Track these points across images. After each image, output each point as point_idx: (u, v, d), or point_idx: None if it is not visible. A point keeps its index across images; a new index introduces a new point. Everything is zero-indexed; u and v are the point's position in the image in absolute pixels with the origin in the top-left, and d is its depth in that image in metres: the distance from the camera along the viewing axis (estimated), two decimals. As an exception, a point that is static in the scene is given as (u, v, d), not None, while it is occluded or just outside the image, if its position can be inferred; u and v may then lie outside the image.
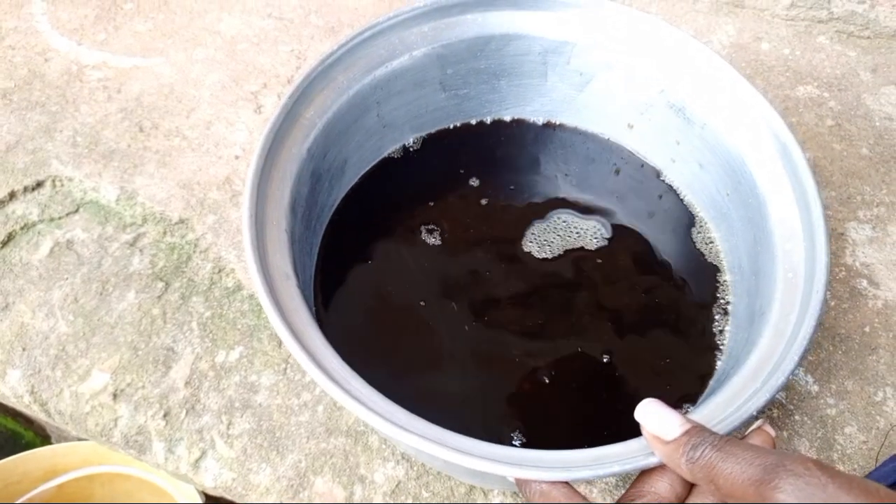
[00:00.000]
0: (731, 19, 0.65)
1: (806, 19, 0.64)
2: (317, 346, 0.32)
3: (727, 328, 0.41)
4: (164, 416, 0.45)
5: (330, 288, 0.43)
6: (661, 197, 0.47)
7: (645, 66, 0.44)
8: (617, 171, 0.49)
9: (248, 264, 0.33)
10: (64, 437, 0.73)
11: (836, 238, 0.51)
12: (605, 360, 0.41)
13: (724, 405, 0.31)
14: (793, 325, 0.33)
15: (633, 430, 0.31)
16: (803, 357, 0.31)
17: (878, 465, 0.40)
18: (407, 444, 0.30)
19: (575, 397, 0.40)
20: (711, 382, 0.40)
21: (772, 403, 0.45)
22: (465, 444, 0.30)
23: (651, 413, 0.29)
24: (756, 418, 0.30)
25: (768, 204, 0.38)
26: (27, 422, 0.75)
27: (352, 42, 0.42)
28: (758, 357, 0.33)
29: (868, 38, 0.63)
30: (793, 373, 0.31)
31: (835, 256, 0.50)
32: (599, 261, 0.46)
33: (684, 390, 0.40)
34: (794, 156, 0.37)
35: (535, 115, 0.50)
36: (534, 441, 0.31)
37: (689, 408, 0.39)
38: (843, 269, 0.50)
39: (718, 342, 0.41)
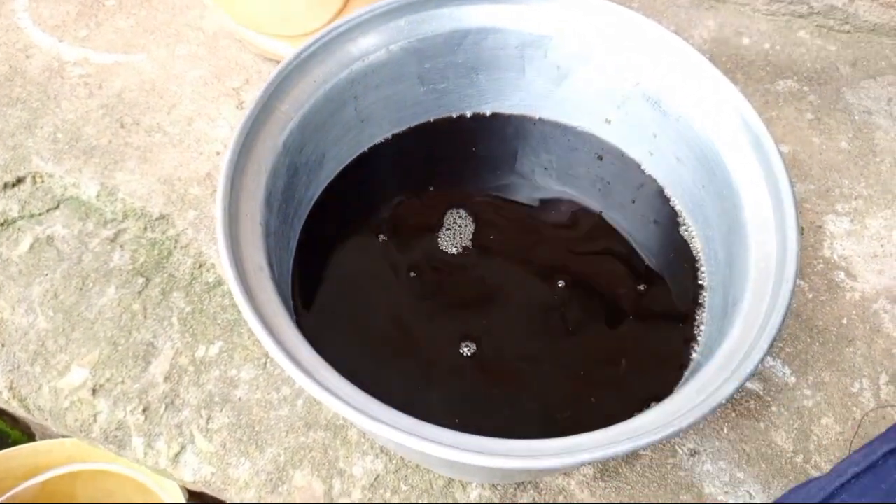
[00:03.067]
0: (711, 14, 0.66)
1: (786, 14, 0.64)
2: (288, 336, 0.32)
3: (703, 319, 0.42)
4: (144, 411, 0.45)
5: (307, 282, 0.43)
6: (639, 189, 0.47)
7: (621, 59, 0.44)
8: (596, 164, 0.49)
9: (220, 254, 0.33)
10: (48, 436, 0.72)
11: (814, 231, 0.52)
12: (580, 350, 0.41)
13: (694, 394, 0.31)
14: (763, 315, 0.33)
15: (607, 422, 0.31)
16: (772, 346, 0.31)
17: (850, 454, 0.41)
18: (379, 435, 0.30)
19: (549, 389, 0.40)
20: (686, 373, 0.40)
21: (749, 395, 0.45)
22: (438, 434, 0.30)
23: None
24: (730, 400, 0.30)
25: (742, 195, 0.38)
26: (13, 421, 0.75)
27: (328, 36, 0.42)
28: (729, 346, 0.33)
29: (848, 32, 0.64)
30: (762, 361, 0.31)
31: (813, 249, 0.51)
32: (578, 253, 0.46)
33: (660, 382, 0.40)
34: (767, 147, 0.37)
35: (514, 108, 0.50)
36: (507, 432, 0.31)
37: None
38: (821, 261, 0.50)
39: (695, 333, 0.42)
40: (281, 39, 0.58)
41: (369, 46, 0.44)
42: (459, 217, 0.47)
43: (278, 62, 0.60)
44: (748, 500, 0.41)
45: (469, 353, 0.41)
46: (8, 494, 0.59)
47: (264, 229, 0.37)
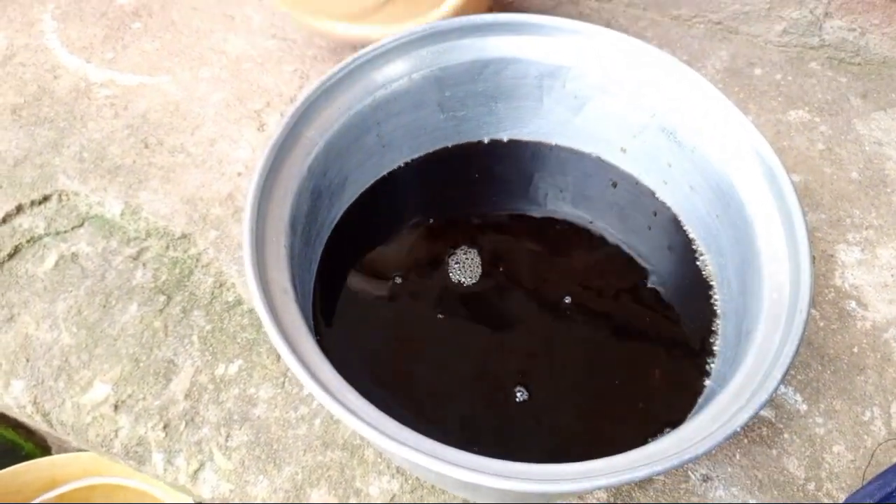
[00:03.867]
0: (724, 45, 0.67)
1: (798, 45, 0.65)
2: (313, 358, 0.33)
3: (716, 346, 0.42)
4: (164, 427, 0.46)
5: (328, 302, 0.44)
6: (653, 217, 0.48)
7: (638, 90, 0.45)
8: (611, 191, 0.50)
9: (248, 278, 0.34)
10: (64, 450, 0.73)
11: (825, 260, 0.52)
12: (594, 376, 0.42)
13: (709, 422, 0.32)
14: (777, 344, 0.34)
15: (621, 448, 0.32)
16: (786, 375, 0.32)
17: (864, 483, 0.41)
18: (399, 456, 0.30)
19: (563, 416, 0.41)
20: (700, 400, 0.40)
21: (761, 422, 0.45)
22: (456, 456, 0.30)
23: None
24: (739, 435, 0.30)
25: (755, 226, 0.39)
26: (28, 433, 0.76)
27: (353, 64, 0.43)
28: (743, 375, 0.34)
29: (859, 64, 0.65)
30: (776, 391, 0.32)
31: (824, 278, 0.51)
32: (591, 280, 0.47)
33: (673, 410, 0.41)
34: (780, 179, 0.38)
35: (532, 136, 0.51)
36: (523, 457, 0.32)
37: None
38: (833, 290, 0.51)
39: (708, 360, 0.42)
40: (340, 20, 0.59)
41: (392, 74, 0.45)
42: (473, 245, 0.47)
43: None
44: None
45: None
46: (25, 507, 0.60)
47: (289, 252, 0.38)
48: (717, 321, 0.43)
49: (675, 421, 0.39)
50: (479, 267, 0.47)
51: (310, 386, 0.31)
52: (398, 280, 0.46)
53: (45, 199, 0.56)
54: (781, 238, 0.38)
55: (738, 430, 0.31)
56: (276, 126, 0.40)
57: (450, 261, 0.47)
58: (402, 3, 0.56)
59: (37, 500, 0.60)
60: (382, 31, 0.57)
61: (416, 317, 0.45)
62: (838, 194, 0.56)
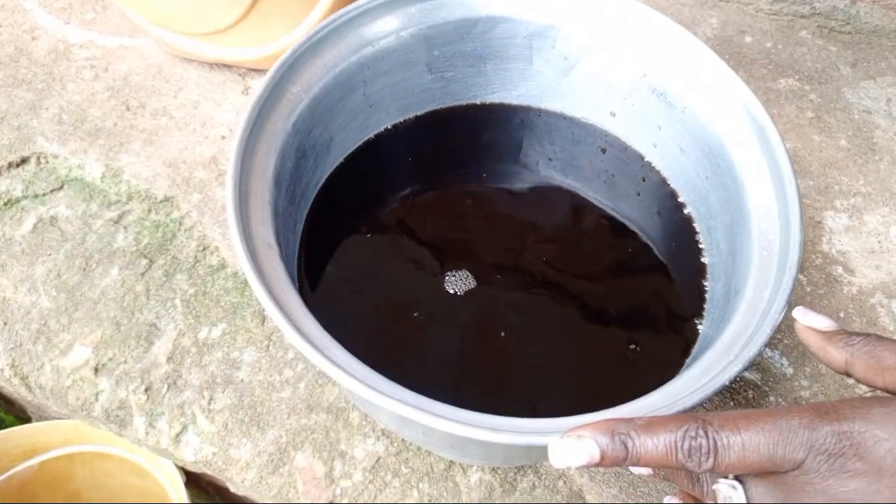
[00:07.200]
0: (715, 12, 0.66)
1: (789, 14, 0.65)
2: (298, 313, 0.32)
3: (705, 308, 0.42)
4: (146, 390, 0.45)
5: (313, 263, 0.43)
6: (643, 180, 0.48)
7: (628, 50, 0.45)
8: (600, 155, 0.49)
9: (231, 231, 0.33)
10: (44, 419, 0.72)
11: (813, 226, 0.52)
12: (582, 340, 0.42)
13: (697, 376, 0.32)
14: (766, 301, 0.34)
15: (610, 406, 0.32)
16: (775, 330, 0.32)
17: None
18: (387, 410, 0.30)
19: (551, 376, 0.41)
20: (688, 360, 0.40)
21: (747, 385, 0.45)
22: (444, 410, 0.30)
23: (805, 313, 0.32)
24: (729, 389, 0.30)
25: (746, 186, 0.39)
26: (7, 404, 0.75)
27: (339, 20, 0.42)
28: (732, 332, 0.34)
29: (849, 33, 0.64)
30: (765, 345, 0.32)
31: (811, 244, 0.51)
32: (581, 243, 0.46)
33: (661, 372, 0.40)
34: (771, 138, 0.38)
35: (521, 99, 0.51)
36: (511, 415, 0.32)
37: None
38: (820, 256, 0.51)
39: (696, 323, 0.42)
40: (194, 38, 0.56)
41: (380, 32, 0.44)
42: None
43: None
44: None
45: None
46: (5, 475, 0.59)
47: (273, 208, 0.37)
48: (707, 283, 0.43)
49: (663, 381, 0.39)
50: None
51: (294, 339, 0.30)
52: (384, 246, 0.45)
53: (23, 161, 0.55)
54: (772, 196, 0.37)
55: (727, 383, 0.30)
56: (260, 82, 0.39)
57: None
58: (260, 21, 0.54)
59: (18, 468, 0.59)
60: (237, 52, 0.56)
61: (403, 284, 0.44)
62: (827, 162, 0.56)
